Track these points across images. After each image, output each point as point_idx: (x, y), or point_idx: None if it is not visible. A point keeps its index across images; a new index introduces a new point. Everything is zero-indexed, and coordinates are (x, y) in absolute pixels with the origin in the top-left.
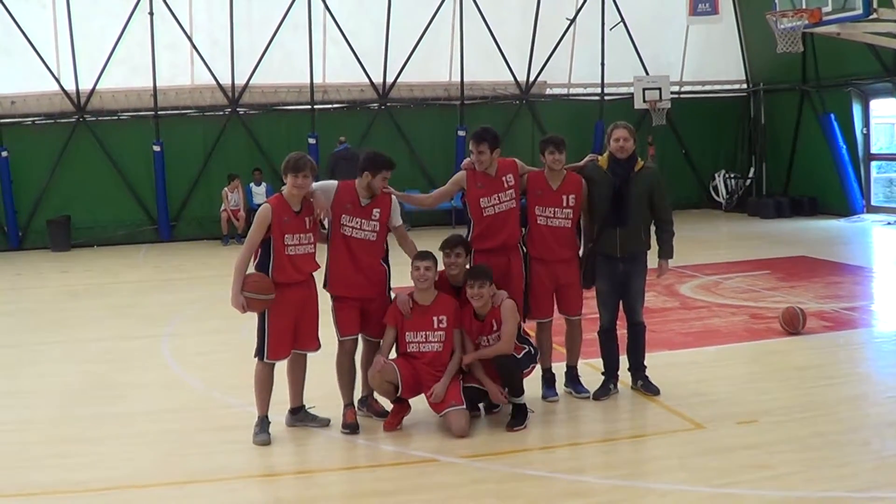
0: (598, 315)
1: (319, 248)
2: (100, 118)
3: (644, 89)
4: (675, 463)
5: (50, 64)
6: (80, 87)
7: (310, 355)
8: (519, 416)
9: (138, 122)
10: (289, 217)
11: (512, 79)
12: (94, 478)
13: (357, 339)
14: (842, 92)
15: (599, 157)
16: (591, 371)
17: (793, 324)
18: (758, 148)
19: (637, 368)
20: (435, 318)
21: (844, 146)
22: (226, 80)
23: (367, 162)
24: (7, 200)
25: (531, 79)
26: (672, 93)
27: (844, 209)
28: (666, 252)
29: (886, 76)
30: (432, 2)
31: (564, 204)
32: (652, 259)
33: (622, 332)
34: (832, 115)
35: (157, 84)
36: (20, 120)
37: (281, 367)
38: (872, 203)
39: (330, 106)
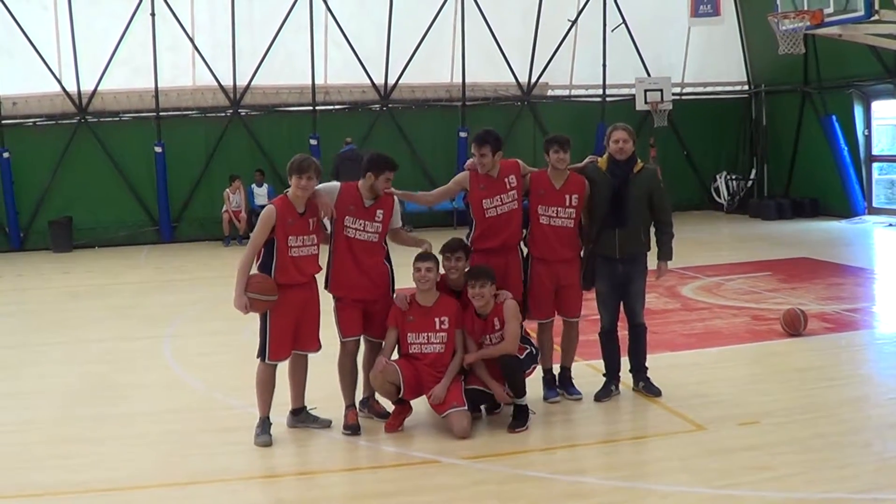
0: (598, 316)
1: (322, 250)
2: (101, 119)
3: (646, 91)
4: (677, 464)
5: (51, 65)
6: (81, 89)
7: (311, 356)
8: (520, 418)
9: (140, 123)
10: (293, 219)
11: (513, 80)
12: (95, 478)
13: (359, 340)
14: (843, 93)
15: (599, 159)
16: (592, 372)
17: (794, 325)
18: (759, 149)
19: (638, 370)
20: (437, 320)
21: (846, 148)
22: (227, 82)
23: (371, 163)
24: (9, 201)
25: (533, 80)
26: (673, 94)
27: (846, 211)
28: (665, 254)
29: (888, 78)
30: (434, 3)
31: (567, 204)
32: (652, 260)
33: (623, 333)
34: (834, 117)
35: (159, 85)
36: (22, 121)
37: (282, 369)
38: (874, 204)
39: (331, 107)
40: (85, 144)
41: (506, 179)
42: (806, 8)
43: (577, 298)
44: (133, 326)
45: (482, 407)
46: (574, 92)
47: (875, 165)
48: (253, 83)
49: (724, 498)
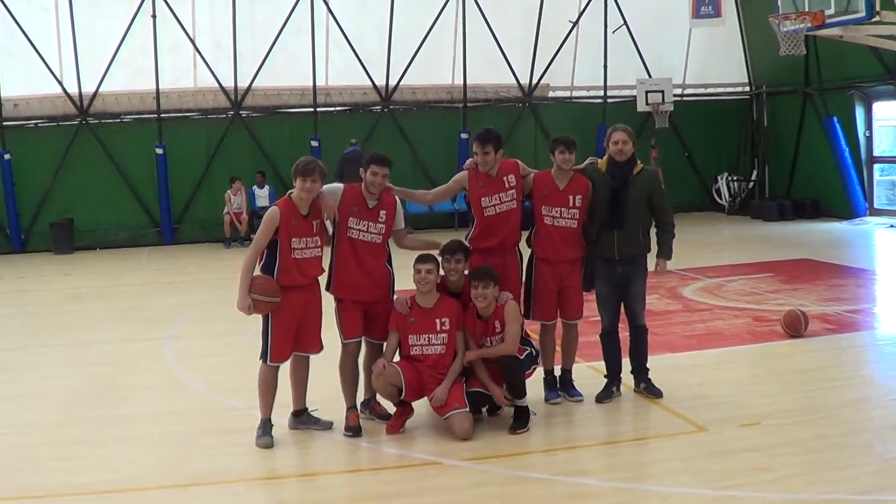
0: (599, 318)
1: (324, 252)
2: (102, 121)
3: (647, 92)
4: (678, 465)
5: (53, 67)
6: (82, 90)
7: (313, 358)
8: (521, 419)
9: (141, 125)
10: (297, 221)
11: (514, 81)
12: (96, 480)
13: (360, 341)
14: (844, 95)
15: (599, 160)
16: (593, 374)
17: (795, 327)
18: (760, 150)
19: (639, 371)
20: (437, 321)
21: (847, 149)
22: (228, 83)
23: (364, 160)
24: (10, 203)
25: (534, 81)
26: (675, 95)
27: (847, 212)
28: (665, 252)
29: (889, 79)
30: (435, 4)
31: (570, 204)
32: (652, 260)
33: (624, 334)
34: (835, 118)
35: (160, 87)
36: (23, 123)
37: (284, 370)
38: (875, 206)
39: (333, 109)
40: (86, 146)
41: (505, 178)
42: (807, 9)
43: (579, 301)
44: (134, 328)
45: (483, 409)
46: (575, 93)
47: (876, 167)
48: (254, 85)
49: (725, 499)
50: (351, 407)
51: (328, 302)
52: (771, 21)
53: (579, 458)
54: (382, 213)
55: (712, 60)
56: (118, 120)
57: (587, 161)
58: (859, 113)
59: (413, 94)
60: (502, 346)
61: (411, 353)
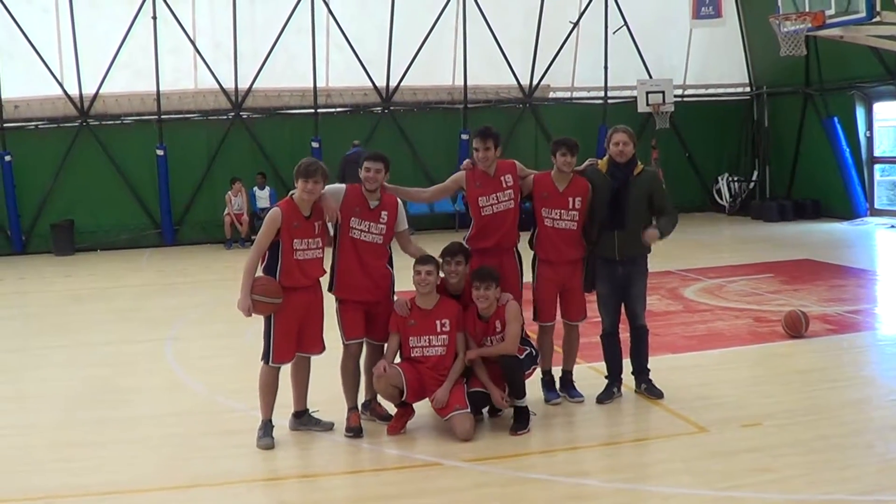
0: (600, 319)
1: (326, 253)
2: (103, 122)
3: (647, 93)
4: (679, 466)
5: (53, 68)
6: (83, 92)
7: (314, 359)
8: (522, 420)
9: (142, 127)
10: (299, 222)
11: (515, 82)
12: (97, 482)
13: (362, 342)
14: (845, 95)
15: (599, 161)
16: (594, 374)
17: (796, 327)
18: (761, 151)
19: (640, 372)
20: (438, 322)
21: (848, 149)
22: (229, 84)
23: (360, 160)
24: (10, 204)
25: (534, 82)
26: (675, 96)
27: (848, 212)
28: (662, 226)
29: (890, 79)
30: (435, 5)
31: (570, 206)
32: (653, 262)
33: (625, 335)
34: (835, 119)
35: (161, 88)
36: (23, 124)
37: (285, 371)
38: (876, 206)
39: (333, 110)
40: (87, 147)
41: (502, 178)
42: (807, 9)
43: (580, 302)
44: (135, 330)
45: (484, 410)
46: (576, 94)
47: (877, 167)
48: (254, 86)
49: (726, 500)
50: (352, 408)
51: (329, 303)
52: (771, 21)
53: (580, 458)
54: (384, 213)
55: (713, 61)
56: (119, 121)
57: (587, 162)
58: (860, 113)
59: (413, 94)
60: (502, 346)
61: (412, 355)
